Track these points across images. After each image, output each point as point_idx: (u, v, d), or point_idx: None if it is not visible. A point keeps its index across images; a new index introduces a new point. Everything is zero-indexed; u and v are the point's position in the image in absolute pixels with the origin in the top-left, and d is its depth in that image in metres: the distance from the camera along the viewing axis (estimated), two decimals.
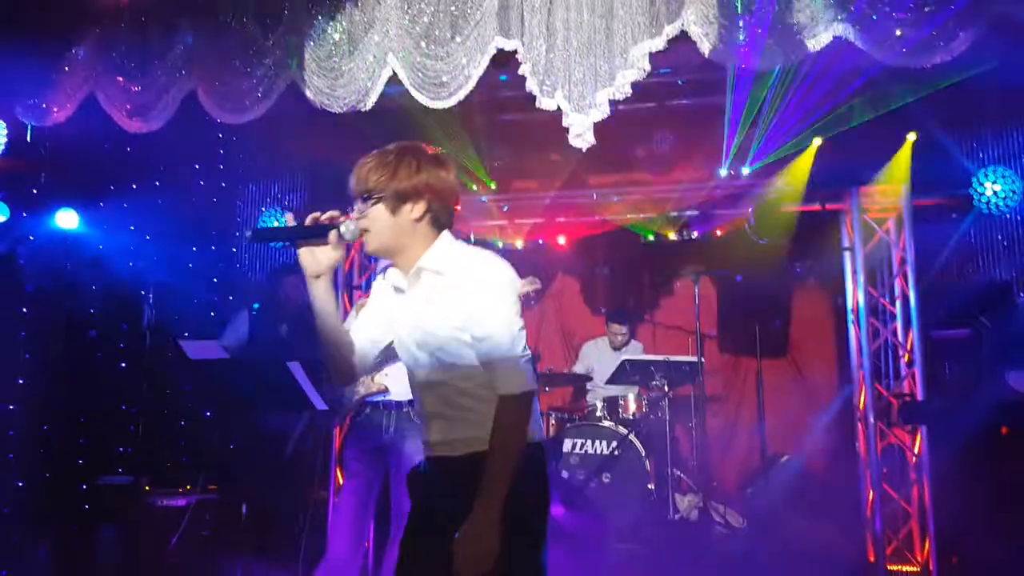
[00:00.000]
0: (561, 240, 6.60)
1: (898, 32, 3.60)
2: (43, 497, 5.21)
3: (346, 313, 5.49)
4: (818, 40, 3.65)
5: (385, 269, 2.36)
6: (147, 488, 5.24)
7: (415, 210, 2.14)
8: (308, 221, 2.10)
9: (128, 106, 4.33)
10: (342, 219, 2.10)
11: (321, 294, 2.13)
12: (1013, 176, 5.49)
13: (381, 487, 4.15)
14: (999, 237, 5.83)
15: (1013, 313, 5.32)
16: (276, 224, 4.99)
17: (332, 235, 2.06)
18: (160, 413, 5.49)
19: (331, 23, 4.08)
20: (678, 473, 5.88)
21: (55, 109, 4.42)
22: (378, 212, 2.12)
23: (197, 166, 5.93)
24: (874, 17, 3.59)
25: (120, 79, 4.32)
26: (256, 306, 5.34)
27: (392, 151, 2.17)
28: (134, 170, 5.48)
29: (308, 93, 4.15)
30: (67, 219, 5.28)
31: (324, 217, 2.10)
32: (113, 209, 5.53)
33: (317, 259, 2.10)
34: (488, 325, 2.06)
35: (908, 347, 5.45)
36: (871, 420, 5.33)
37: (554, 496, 5.34)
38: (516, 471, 2.01)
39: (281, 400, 4.18)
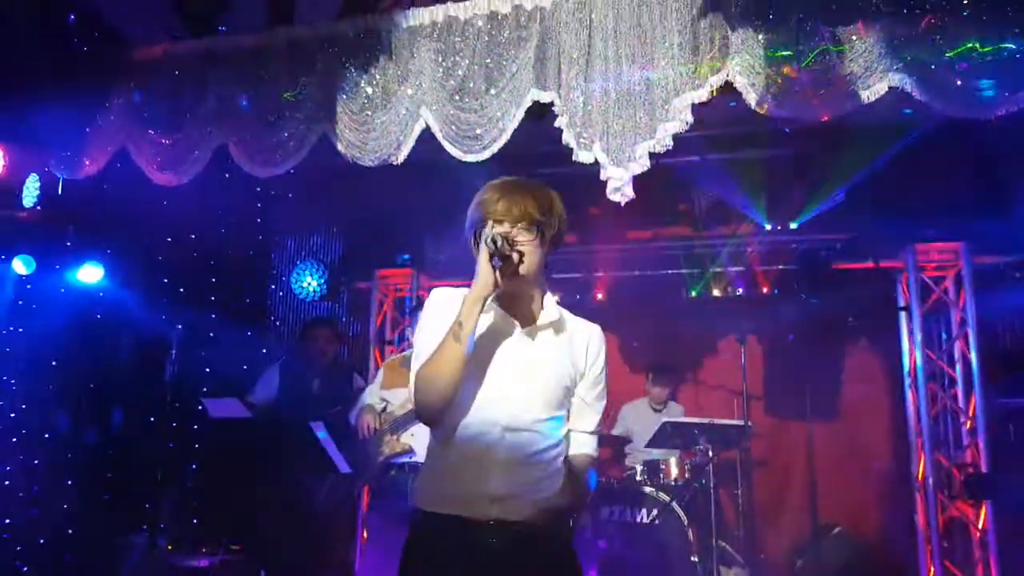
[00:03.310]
0: (600, 296, 6.50)
1: (958, 82, 3.41)
2: (66, 554, 5.12)
3: (376, 368, 5.38)
4: (873, 91, 3.48)
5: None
6: (169, 547, 5.13)
7: (549, 255, 2.10)
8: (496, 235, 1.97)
9: (159, 159, 4.34)
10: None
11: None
12: None
13: None
14: None
15: None
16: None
17: (515, 257, 1.98)
18: (184, 471, 5.40)
19: (364, 76, 4.04)
20: (723, 544, 5.56)
21: (87, 162, 4.46)
22: (534, 244, 2.03)
23: (233, 219, 5.92)
24: (932, 67, 3.41)
25: (152, 132, 4.34)
26: (294, 362, 5.24)
27: (543, 187, 2.11)
28: (168, 223, 5.49)
29: (339, 146, 4.10)
30: (91, 273, 5.28)
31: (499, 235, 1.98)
32: (145, 262, 5.54)
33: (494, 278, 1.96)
34: (603, 387, 2.14)
35: (971, 414, 5.19)
36: (931, 491, 5.12)
37: (591, 567, 5.09)
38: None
39: (305, 462, 4.06)
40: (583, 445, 2.12)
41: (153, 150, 4.37)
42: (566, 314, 2.17)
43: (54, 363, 5.12)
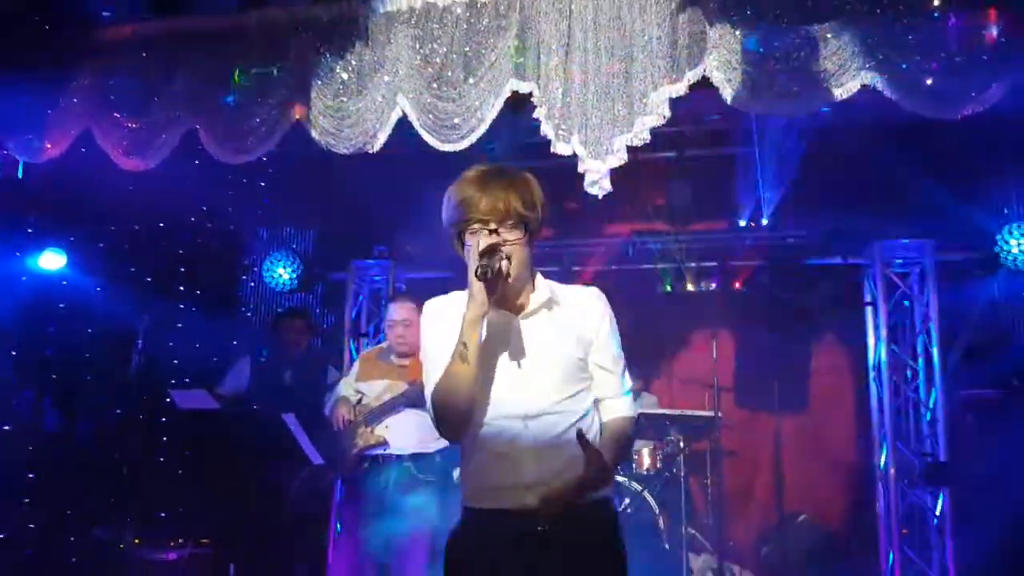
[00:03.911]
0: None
1: (928, 82, 3.47)
2: (28, 550, 5.00)
3: (350, 363, 5.33)
4: (845, 88, 3.54)
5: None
6: (136, 541, 5.03)
7: (534, 244, 2.07)
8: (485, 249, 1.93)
9: (125, 143, 4.21)
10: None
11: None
12: None
13: (380, 545, 3.95)
14: None
15: None
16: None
17: (504, 264, 1.94)
18: (152, 463, 5.30)
19: (339, 62, 3.97)
20: (692, 531, 5.65)
21: (49, 145, 4.31)
22: (522, 243, 2.01)
23: (204, 207, 5.82)
24: (904, 66, 3.48)
25: (117, 115, 4.21)
26: (265, 352, 5.16)
27: (522, 175, 2.07)
28: (136, 210, 5.37)
29: (313, 133, 4.03)
30: (53, 260, 5.14)
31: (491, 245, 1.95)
32: (111, 250, 5.41)
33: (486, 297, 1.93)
34: (617, 349, 2.13)
35: (931, 406, 5.30)
36: (892, 480, 5.23)
37: None
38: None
39: (276, 453, 4.02)
40: (614, 411, 2.11)
41: (119, 134, 4.23)
42: (559, 288, 2.15)
43: (14, 353, 4.99)
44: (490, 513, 2.01)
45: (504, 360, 2.03)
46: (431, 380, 2.04)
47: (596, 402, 2.10)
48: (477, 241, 1.95)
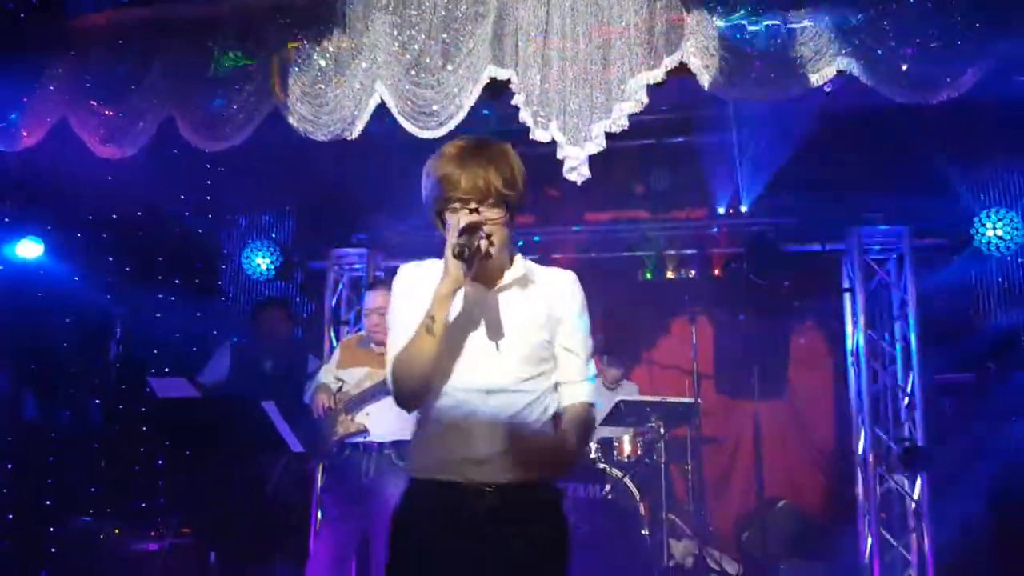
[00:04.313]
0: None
1: (904, 67, 3.50)
2: (7, 541, 4.96)
3: (331, 351, 5.32)
4: (821, 74, 3.57)
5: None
6: (117, 532, 5.01)
7: (515, 221, 2.05)
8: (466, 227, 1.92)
9: (102, 131, 4.19)
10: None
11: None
12: (1015, 218, 5.41)
13: (361, 533, 3.96)
14: (1000, 279, 5.77)
15: (1019, 357, 5.19)
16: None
17: (484, 244, 1.92)
18: (132, 452, 5.27)
19: (317, 49, 3.96)
20: (673, 517, 5.68)
21: (25, 133, 4.27)
22: (503, 221, 1.98)
23: (183, 196, 5.78)
24: (879, 52, 3.51)
25: (94, 103, 4.18)
26: (234, 339, 5.15)
27: (501, 150, 2.02)
28: (114, 199, 5.32)
29: (291, 120, 4.01)
30: (30, 249, 5.10)
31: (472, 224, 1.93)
32: (88, 239, 5.37)
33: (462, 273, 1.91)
34: (585, 334, 2.11)
35: (908, 391, 5.34)
36: (870, 465, 5.26)
37: None
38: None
39: (256, 441, 4.01)
40: (576, 395, 2.08)
41: (96, 121, 4.20)
42: (535, 268, 2.14)
43: None
44: (439, 485, 1.98)
45: (471, 333, 2.01)
46: (395, 347, 2.01)
47: (557, 386, 2.09)
48: (457, 220, 1.94)
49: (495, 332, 2.01)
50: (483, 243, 1.92)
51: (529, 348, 2.02)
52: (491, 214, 1.96)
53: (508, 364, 2.00)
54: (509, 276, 2.07)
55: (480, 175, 1.94)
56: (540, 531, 1.98)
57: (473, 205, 1.95)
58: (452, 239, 1.91)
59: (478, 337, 2.01)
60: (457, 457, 1.97)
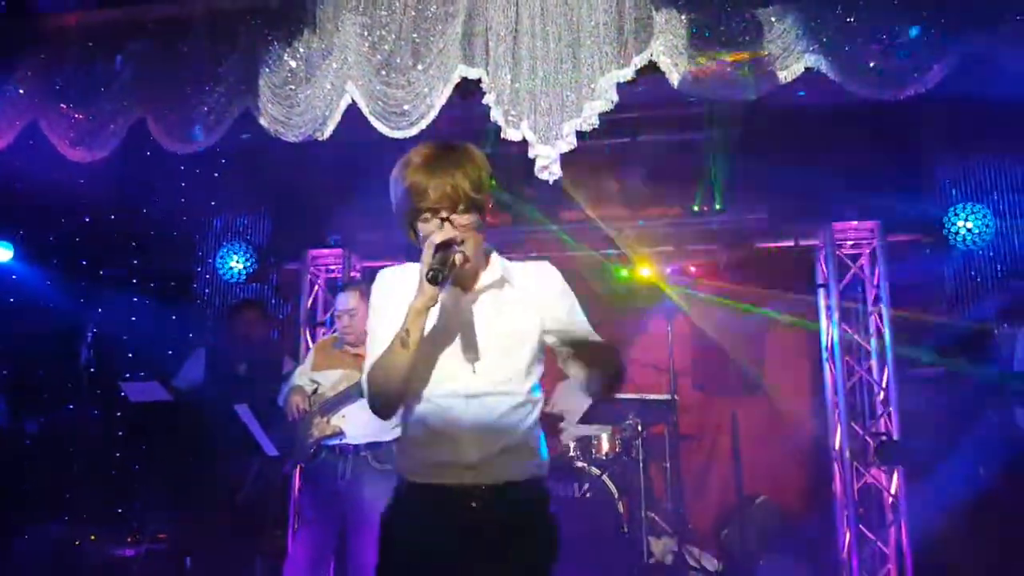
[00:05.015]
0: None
1: (871, 63, 3.54)
2: None
3: (306, 352, 5.30)
4: (790, 71, 3.61)
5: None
6: (92, 538, 4.97)
7: (485, 223, 2.04)
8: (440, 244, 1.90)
9: (72, 134, 4.15)
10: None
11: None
12: (985, 211, 5.48)
13: (338, 536, 3.94)
14: (972, 273, 5.83)
15: (990, 350, 5.25)
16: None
17: (459, 258, 1.91)
18: (107, 457, 5.23)
19: (287, 49, 3.95)
20: (652, 515, 5.70)
21: None
22: (474, 228, 1.97)
23: (155, 199, 5.73)
24: (847, 48, 3.55)
25: (64, 106, 4.14)
26: (208, 342, 5.12)
27: (468, 153, 2.01)
28: (87, 202, 5.28)
29: (262, 121, 4.00)
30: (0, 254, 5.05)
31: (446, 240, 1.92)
32: (61, 243, 5.32)
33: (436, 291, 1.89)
34: (581, 316, 2.15)
35: (883, 385, 5.38)
36: (847, 460, 5.28)
37: None
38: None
39: (231, 445, 3.99)
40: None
41: (65, 124, 4.17)
42: (512, 266, 2.13)
43: None
44: (427, 488, 2.00)
45: (449, 338, 2.01)
46: (371, 356, 2.02)
47: (569, 355, 2.07)
48: (430, 241, 1.90)
49: (472, 337, 2.01)
50: (458, 257, 1.90)
51: (508, 350, 2.02)
52: (463, 220, 1.94)
53: (488, 367, 2.00)
54: (486, 278, 2.07)
55: (448, 183, 1.92)
56: (529, 531, 2.00)
57: (444, 215, 1.93)
58: (426, 257, 1.88)
59: (456, 343, 2.01)
60: (442, 461, 1.98)
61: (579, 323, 2.14)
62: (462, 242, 1.92)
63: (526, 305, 2.07)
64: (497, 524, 1.95)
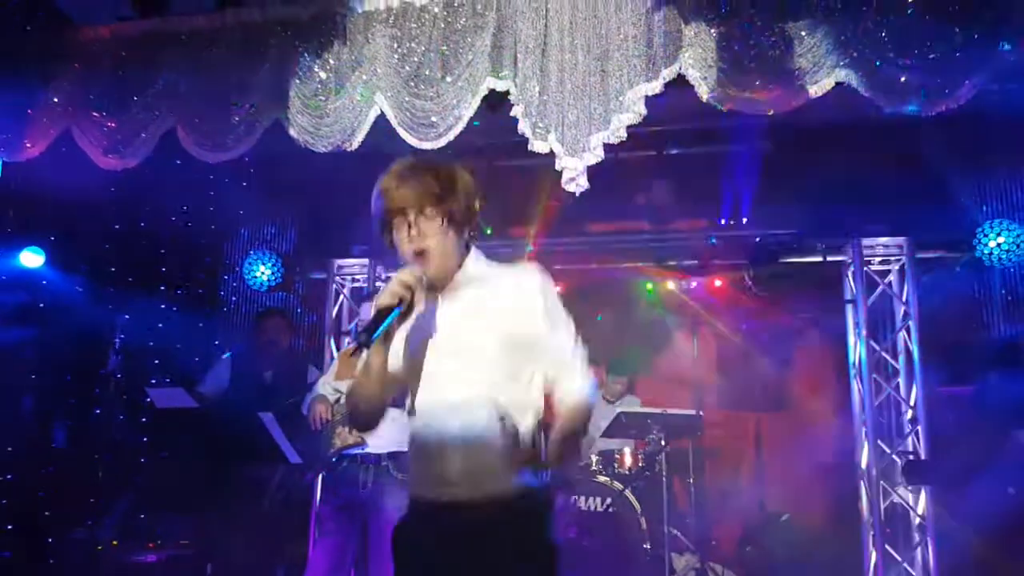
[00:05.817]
0: (557, 288, 6.42)
1: (903, 79, 3.50)
2: (7, 552, 4.96)
3: (331, 361, 5.32)
4: (820, 86, 3.58)
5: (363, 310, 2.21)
6: (115, 543, 4.99)
7: (467, 230, 2.10)
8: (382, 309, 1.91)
9: (104, 143, 4.23)
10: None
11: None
12: (1017, 229, 5.39)
13: (358, 546, 3.94)
14: (1002, 291, 5.74)
15: (1021, 368, 5.15)
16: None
17: (396, 324, 1.94)
18: (131, 464, 5.27)
19: (317, 61, 3.99)
20: (674, 531, 5.63)
21: (29, 144, 4.31)
22: (440, 229, 2.00)
23: (185, 208, 5.80)
24: (878, 63, 3.51)
25: (96, 114, 4.21)
26: (228, 355, 5.15)
27: (445, 163, 2.08)
28: (117, 210, 5.36)
29: (292, 132, 4.05)
30: (32, 259, 5.13)
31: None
32: (91, 249, 5.39)
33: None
34: (566, 331, 2.05)
35: (911, 403, 5.30)
36: (873, 479, 5.20)
37: None
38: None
39: (255, 452, 4.00)
40: (570, 392, 2.01)
41: (98, 133, 4.25)
42: (493, 269, 2.10)
43: None
44: (425, 502, 2.00)
45: (425, 349, 2.01)
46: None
47: (552, 383, 2.02)
48: (375, 304, 1.92)
49: (453, 344, 1.99)
50: (395, 324, 1.92)
51: (492, 356, 1.97)
52: (428, 225, 1.97)
53: (471, 375, 1.96)
54: (459, 282, 2.05)
55: (415, 186, 1.97)
56: (522, 543, 1.96)
57: (411, 217, 1.96)
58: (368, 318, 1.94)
59: (437, 351, 2.00)
60: (431, 474, 1.98)
61: (555, 341, 2.03)
62: (410, 304, 1.92)
63: (507, 305, 2.01)
64: (487, 539, 1.92)
